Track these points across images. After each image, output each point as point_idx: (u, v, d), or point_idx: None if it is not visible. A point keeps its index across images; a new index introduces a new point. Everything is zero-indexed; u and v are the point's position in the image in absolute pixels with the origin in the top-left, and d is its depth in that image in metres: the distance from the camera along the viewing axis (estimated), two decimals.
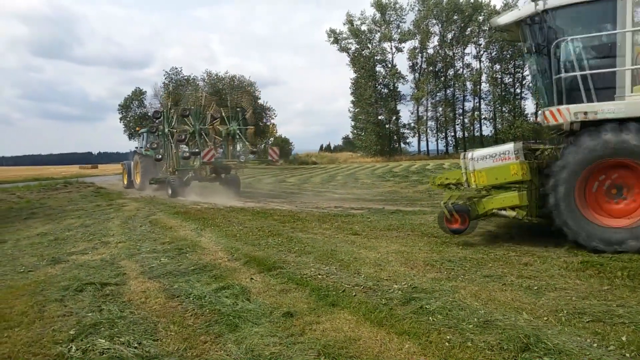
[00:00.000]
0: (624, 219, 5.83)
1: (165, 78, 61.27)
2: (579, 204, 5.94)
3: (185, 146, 19.29)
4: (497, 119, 54.46)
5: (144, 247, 7.37)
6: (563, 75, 6.17)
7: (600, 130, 5.79)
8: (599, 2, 6.09)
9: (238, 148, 20.08)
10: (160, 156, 20.09)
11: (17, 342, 3.65)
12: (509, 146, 6.58)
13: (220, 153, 18.90)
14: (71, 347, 3.45)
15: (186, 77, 61.32)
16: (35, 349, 3.50)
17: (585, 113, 5.99)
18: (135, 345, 3.41)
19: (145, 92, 66.21)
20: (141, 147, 23.40)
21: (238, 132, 19.16)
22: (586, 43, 6.34)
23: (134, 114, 59.51)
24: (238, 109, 19.53)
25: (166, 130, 19.58)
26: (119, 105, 65.21)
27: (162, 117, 19.91)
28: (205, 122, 18.90)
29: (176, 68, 62.49)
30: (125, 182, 24.72)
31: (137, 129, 21.49)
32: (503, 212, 6.51)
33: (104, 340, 3.47)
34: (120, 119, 60.56)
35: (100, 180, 31.12)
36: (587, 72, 6.05)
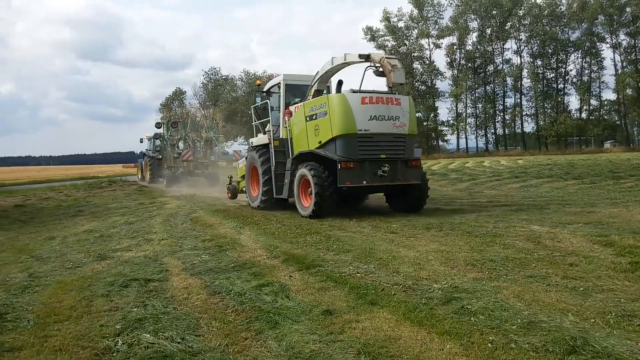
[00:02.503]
0: None
1: (204, 78, 62.56)
2: None
3: (178, 148, 25.52)
4: (539, 116, 53.00)
5: (186, 245, 7.53)
6: None
7: None
8: None
9: (215, 150, 26.51)
10: (161, 156, 26.87)
11: (66, 335, 3.78)
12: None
13: (198, 154, 25.47)
14: (117, 341, 3.55)
15: (224, 77, 62.34)
16: (84, 342, 3.61)
17: None
18: (179, 340, 3.49)
19: (185, 92, 67.78)
20: (149, 150, 30.39)
21: (214, 138, 25.99)
22: None
23: (174, 113, 60.93)
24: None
25: (166, 137, 26.87)
26: (160, 105, 66.97)
27: (162, 127, 27.16)
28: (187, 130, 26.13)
29: (215, 68, 63.64)
30: (139, 177, 31.95)
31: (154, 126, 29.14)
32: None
33: (148, 335, 3.56)
34: (162, 118, 62.09)
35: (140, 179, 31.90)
36: None
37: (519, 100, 54.32)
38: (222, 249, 6.95)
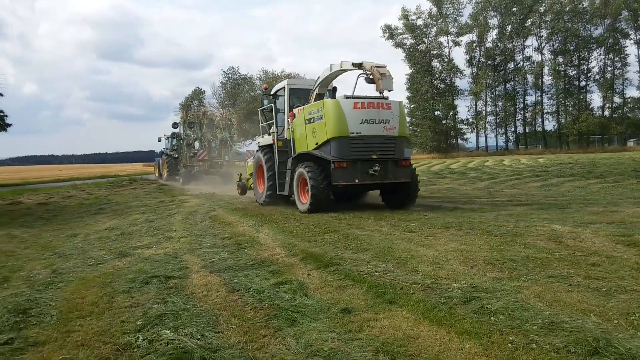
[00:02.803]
0: None
1: (223, 77, 62.95)
2: None
3: (194, 148, 26.47)
4: (561, 114, 52.19)
5: (205, 242, 7.59)
6: None
7: None
8: None
9: (230, 150, 26.74)
10: (177, 155, 27.77)
11: (88, 331, 3.85)
12: None
13: (214, 153, 26.17)
14: (138, 337, 3.60)
15: (243, 76, 62.63)
16: (105, 338, 3.67)
17: None
18: (199, 336, 3.52)
19: (204, 91, 68.30)
20: (166, 149, 31.08)
21: (229, 138, 26.38)
22: None
23: (192, 113, 61.40)
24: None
25: (182, 136, 27.66)
26: (180, 104, 67.60)
27: (178, 127, 28.01)
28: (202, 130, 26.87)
29: (233, 68, 63.96)
30: (157, 175, 32.83)
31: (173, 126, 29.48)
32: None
33: (168, 332, 3.60)
34: (181, 117, 62.63)
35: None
36: None
37: (539, 98, 53.62)
38: (241, 247, 6.99)
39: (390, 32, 56.83)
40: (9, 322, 4.07)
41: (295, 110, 12.03)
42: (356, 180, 10.36)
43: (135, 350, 3.39)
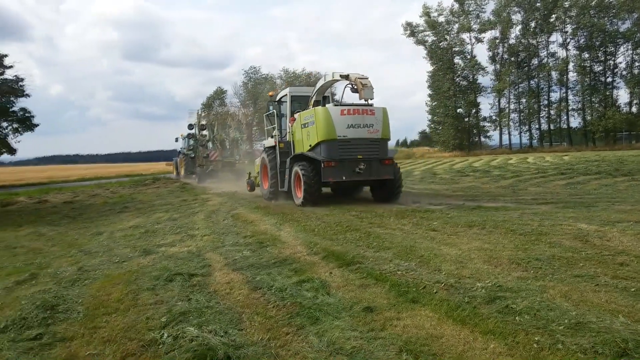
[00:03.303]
0: None
1: (244, 77, 63.23)
2: None
3: (207, 149, 27.58)
4: (586, 110, 51.13)
5: (227, 240, 7.64)
6: None
7: None
8: None
9: (240, 149, 28.89)
10: (193, 155, 28.87)
11: (114, 327, 3.91)
12: None
13: (226, 153, 27.75)
14: (163, 333, 3.64)
15: (264, 76, 62.81)
16: (131, 334, 3.73)
17: None
18: (222, 334, 3.55)
19: (226, 91, 68.71)
20: (183, 148, 32.66)
21: (239, 138, 29.20)
22: None
23: (215, 112, 61.93)
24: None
25: (197, 137, 28.43)
26: (202, 104, 68.18)
27: (193, 128, 28.78)
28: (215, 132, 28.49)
29: (254, 67, 64.21)
30: (175, 173, 34.08)
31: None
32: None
33: (192, 328, 3.63)
34: (197, 119, 63.20)
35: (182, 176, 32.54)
36: None
37: (564, 94, 52.47)
38: (263, 245, 7.02)
39: (411, 30, 56.32)
40: (38, 318, 4.15)
41: (295, 116, 13.41)
42: (343, 178, 11.81)
43: (160, 346, 3.43)
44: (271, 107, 15.28)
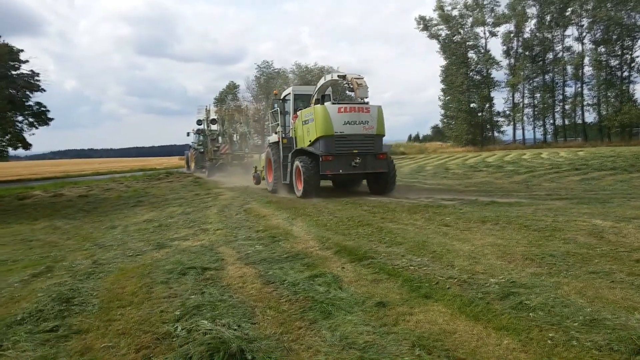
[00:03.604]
0: None
1: (257, 71, 63.30)
2: None
3: (217, 142, 28.54)
4: (602, 105, 50.44)
5: (240, 235, 7.68)
6: None
7: None
8: None
9: (249, 143, 29.43)
10: (202, 149, 29.85)
11: (129, 320, 3.95)
12: None
13: (235, 147, 28.75)
14: (177, 326, 3.67)
15: (276, 70, 62.82)
16: (145, 327, 3.76)
17: None
18: (235, 327, 3.57)
19: (239, 85, 68.87)
20: (194, 143, 33.28)
21: (248, 132, 29.41)
22: None
23: (226, 107, 62.06)
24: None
25: (206, 132, 29.36)
26: (215, 99, 68.39)
27: (202, 124, 29.89)
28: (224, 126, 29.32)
29: (267, 62, 64.21)
30: (185, 168, 35.14)
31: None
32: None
33: (206, 322, 3.65)
34: (216, 112, 63.46)
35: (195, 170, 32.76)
36: None
37: (579, 89, 51.83)
38: (275, 240, 7.04)
39: (424, 24, 55.94)
40: (54, 311, 4.21)
41: (297, 113, 14.36)
42: (340, 171, 12.72)
43: (175, 339, 3.46)
44: (276, 105, 16.10)
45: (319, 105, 12.96)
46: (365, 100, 12.80)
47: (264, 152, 17.36)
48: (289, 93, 15.39)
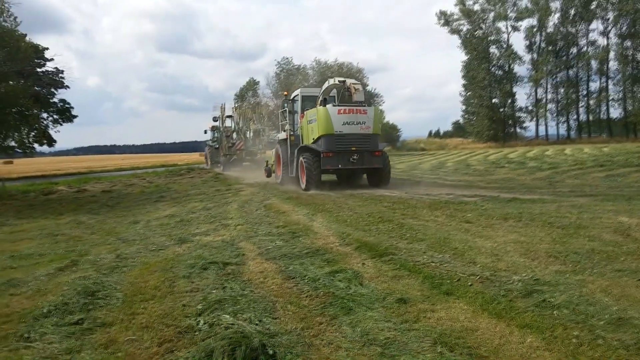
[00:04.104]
0: None
1: (277, 68, 63.42)
2: None
3: (232, 139, 29.69)
4: (628, 100, 49.36)
5: (260, 230, 7.71)
6: None
7: None
8: None
9: (263, 140, 30.06)
10: (217, 146, 31.15)
11: (152, 314, 4.00)
12: None
13: (249, 143, 29.53)
14: (199, 320, 3.71)
15: (296, 67, 62.85)
16: (168, 321, 3.81)
17: None
18: (257, 322, 3.59)
19: (259, 82, 69.12)
20: (210, 140, 34.62)
21: (262, 129, 30.42)
22: None
23: (248, 103, 62.31)
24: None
25: (221, 129, 30.61)
26: (235, 95, 68.78)
27: (218, 121, 31.13)
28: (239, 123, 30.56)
29: (287, 58, 64.27)
30: (206, 164, 35.70)
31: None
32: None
33: (228, 316, 3.68)
34: (233, 109, 63.79)
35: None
36: None
37: (604, 84, 50.87)
38: (296, 235, 7.05)
39: (445, 19, 55.43)
40: (79, 304, 4.28)
41: (305, 113, 15.60)
42: (340, 166, 14.11)
43: (197, 333, 3.49)
44: (285, 105, 17.44)
45: (321, 107, 14.19)
46: (363, 102, 14.25)
47: (274, 148, 18.83)
48: (297, 94, 16.88)
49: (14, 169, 41.61)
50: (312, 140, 14.48)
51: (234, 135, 30.26)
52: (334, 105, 14.20)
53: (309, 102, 16.29)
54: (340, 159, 13.96)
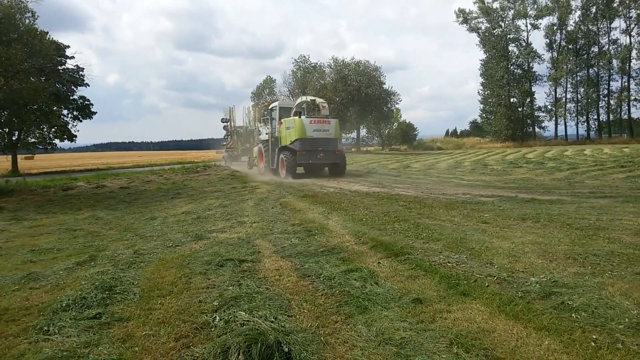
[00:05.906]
0: None
1: (294, 66, 63.47)
2: None
3: (229, 138, 34.93)
4: None
5: (276, 228, 7.74)
6: None
7: None
8: None
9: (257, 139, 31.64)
10: (224, 143, 36.65)
11: (169, 310, 4.03)
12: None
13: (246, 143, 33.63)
14: (215, 317, 3.73)
15: (313, 65, 62.82)
16: (184, 317, 3.84)
17: None
18: (272, 319, 3.60)
19: (275, 80, 69.26)
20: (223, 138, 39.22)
21: (256, 129, 31.21)
22: None
23: (264, 101, 62.43)
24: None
25: (230, 129, 35.49)
26: (252, 93, 69.04)
27: (228, 123, 35.47)
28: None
29: (304, 56, 64.28)
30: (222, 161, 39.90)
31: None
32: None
33: (244, 313, 3.70)
34: (253, 106, 64.06)
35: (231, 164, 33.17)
36: None
37: (626, 83, 49.96)
38: (311, 234, 7.06)
39: (464, 16, 54.92)
40: (97, 298, 4.34)
41: (282, 120, 20.57)
42: (310, 161, 19.32)
43: (213, 329, 3.52)
44: (265, 113, 23.20)
45: (297, 117, 19.44)
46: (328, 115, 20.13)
47: (257, 147, 24.53)
48: (276, 106, 22.03)
49: (35, 164, 42.33)
50: (290, 142, 19.37)
51: (229, 137, 35.86)
52: (307, 117, 19.81)
53: (284, 112, 21.45)
54: (310, 156, 19.14)
